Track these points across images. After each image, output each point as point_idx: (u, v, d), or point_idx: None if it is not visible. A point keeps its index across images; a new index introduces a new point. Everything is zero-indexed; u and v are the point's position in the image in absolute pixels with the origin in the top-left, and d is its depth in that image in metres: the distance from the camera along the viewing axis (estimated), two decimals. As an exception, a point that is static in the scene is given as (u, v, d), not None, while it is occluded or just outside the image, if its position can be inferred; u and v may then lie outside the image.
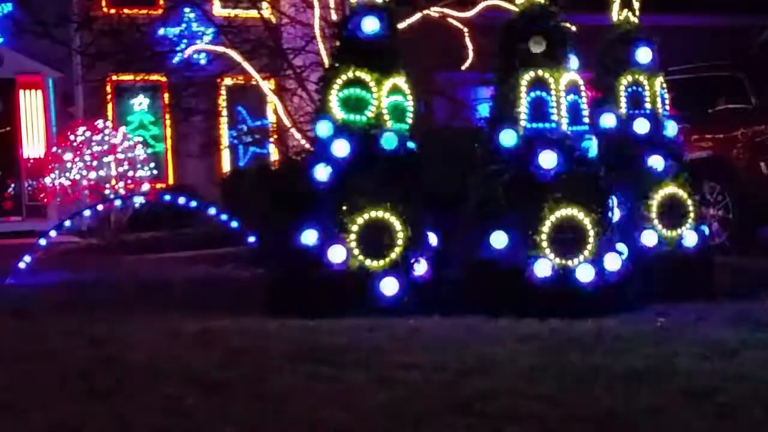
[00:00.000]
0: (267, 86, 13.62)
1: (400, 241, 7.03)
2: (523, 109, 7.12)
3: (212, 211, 11.05)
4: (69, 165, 15.92)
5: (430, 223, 7.38)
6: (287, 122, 13.19)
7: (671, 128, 7.97)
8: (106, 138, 16.09)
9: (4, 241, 14.34)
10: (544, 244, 6.80)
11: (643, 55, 7.97)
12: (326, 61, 11.91)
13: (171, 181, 18.14)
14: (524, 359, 5.34)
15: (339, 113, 7.31)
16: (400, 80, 7.44)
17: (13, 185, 18.44)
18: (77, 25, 14.90)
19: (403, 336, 6.20)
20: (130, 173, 16.33)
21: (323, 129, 7.34)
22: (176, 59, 14.13)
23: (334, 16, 12.36)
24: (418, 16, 12.46)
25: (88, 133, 15.98)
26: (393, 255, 7.03)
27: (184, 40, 14.46)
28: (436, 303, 6.99)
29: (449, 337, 6.07)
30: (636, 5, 8.08)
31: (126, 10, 14.05)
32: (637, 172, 7.73)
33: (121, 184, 15.95)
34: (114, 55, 13.80)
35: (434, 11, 12.73)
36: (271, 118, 16.32)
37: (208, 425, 4.24)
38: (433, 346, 5.81)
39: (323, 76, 7.82)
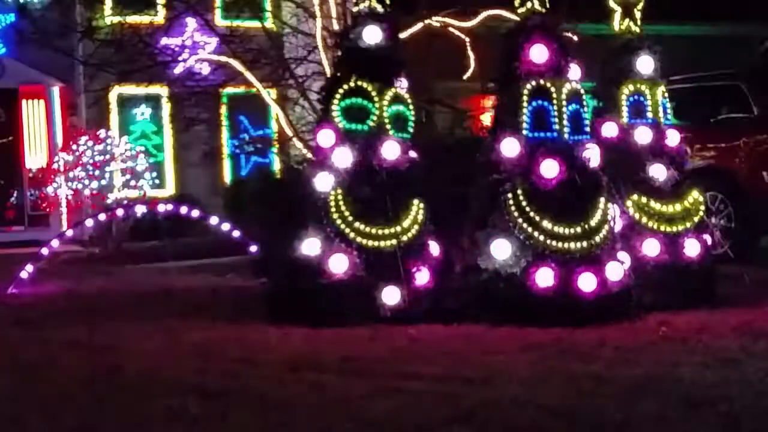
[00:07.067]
0: (269, 96, 13.62)
1: None
2: (524, 118, 7.12)
3: (214, 220, 11.04)
4: (71, 174, 15.91)
5: (432, 232, 7.36)
6: (289, 132, 13.19)
7: (673, 137, 7.96)
8: (108, 147, 16.08)
9: (7, 250, 14.32)
10: None
11: (645, 64, 7.96)
12: (328, 71, 11.93)
13: (173, 190, 18.12)
14: (526, 369, 5.34)
15: (341, 123, 7.30)
16: (401, 90, 7.44)
17: (15, 195, 18.43)
18: (80, 34, 14.91)
19: (404, 345, 6.19)
20: (132, 183, 16.32)
21: (325, 138, 7.34)
22: (178, 69, 14.13)
23: (335, 26, 12.37)
24: (419, 25, 12.47)
25: (90, 143, 15.97)
26: None
27: (186, 50, 14.46)
28: (437, 312, 6.98)
29: (451, 347, 6.06)
30: (637, 15, 8.08)
31: (128, 20, 14.02)
32: (639, 182, 7.71)
33: (123, 193, 15.94)
34: (116, 65, 13.81)
35: (436, 21, 12.73)
36: (273, 127, 16.36)
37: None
38: (434, 355, 5.81)
39: (325, 86, 7.81)
